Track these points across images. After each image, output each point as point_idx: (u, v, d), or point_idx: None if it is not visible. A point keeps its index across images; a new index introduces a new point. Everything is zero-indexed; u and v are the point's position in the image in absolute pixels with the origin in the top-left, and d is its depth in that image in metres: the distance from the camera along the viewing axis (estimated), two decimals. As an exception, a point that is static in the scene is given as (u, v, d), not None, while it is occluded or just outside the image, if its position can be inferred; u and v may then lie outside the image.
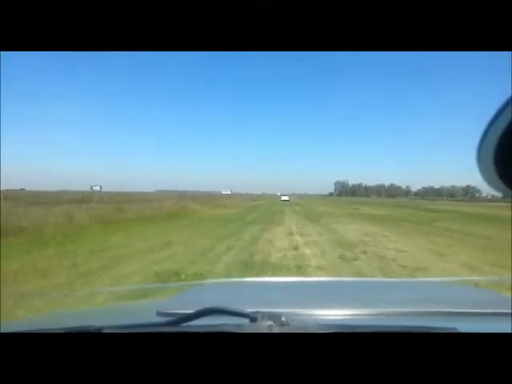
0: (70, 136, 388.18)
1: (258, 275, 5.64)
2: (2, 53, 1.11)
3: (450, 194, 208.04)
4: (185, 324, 0.81)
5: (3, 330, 0.88)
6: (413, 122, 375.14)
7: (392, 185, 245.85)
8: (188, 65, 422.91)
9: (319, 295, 1.43)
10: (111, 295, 4.00)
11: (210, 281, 3.63)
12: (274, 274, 5.85)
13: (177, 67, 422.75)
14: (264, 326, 0.74)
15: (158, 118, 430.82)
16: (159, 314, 1.04)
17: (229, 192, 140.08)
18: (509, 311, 1.02)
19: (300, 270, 6.36)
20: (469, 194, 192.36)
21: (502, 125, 0.45)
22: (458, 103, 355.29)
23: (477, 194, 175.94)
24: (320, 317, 1.00)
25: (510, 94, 0.43)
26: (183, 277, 5.59)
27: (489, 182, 0.52)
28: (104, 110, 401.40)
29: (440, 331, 0.76)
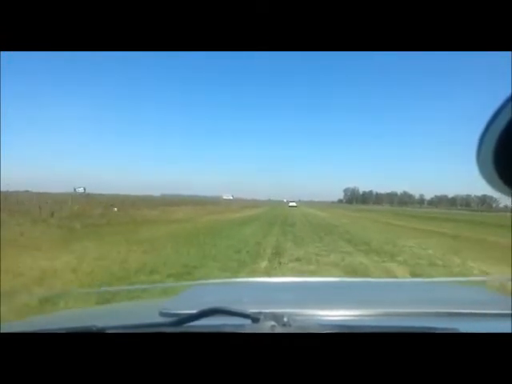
0: (71, 138, 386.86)
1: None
2: (2, 53, 1.15)
3: (465, 203, 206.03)
4: (187, 324, 0.84)
5: (3, 330, 0.91)
6: (425, 127, 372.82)
7: (405, 192, 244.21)
8: (190, 67, 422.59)
9: (321, 295, 1.44)
10: (111, 295, 3.98)
11: (211, 281, 3.61)
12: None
13: (179, 69, 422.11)
14: (266, 327, 0.76)
15: (161, 120, 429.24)
16: (161, 314, 1.07)
17: (230, 197, 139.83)
18: (509, 311, 1.04)
19: None
20: (485, 203, 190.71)
21: (501, 124, 0.47)
22: (469, 107, 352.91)
23: (493, 204, 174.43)
24: (322, 317, 1.03)
25: (509, 94, 0.46)
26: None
27: (489, 181, 0.55)
28: (106, 112, 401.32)
29: (441, 331, 0.77)
